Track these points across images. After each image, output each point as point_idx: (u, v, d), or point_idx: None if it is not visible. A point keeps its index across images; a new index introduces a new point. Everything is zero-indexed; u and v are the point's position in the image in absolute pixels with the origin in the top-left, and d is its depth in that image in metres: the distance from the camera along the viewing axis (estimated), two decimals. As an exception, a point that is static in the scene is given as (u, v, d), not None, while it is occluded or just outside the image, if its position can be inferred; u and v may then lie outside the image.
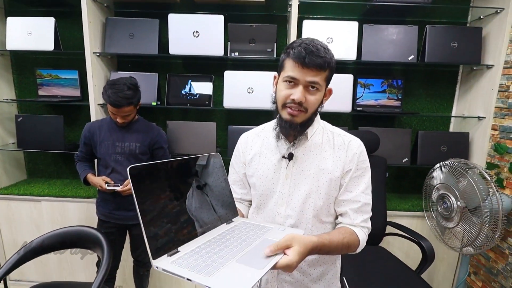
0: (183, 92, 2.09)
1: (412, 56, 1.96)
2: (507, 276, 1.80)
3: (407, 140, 2.06)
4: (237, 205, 0.94)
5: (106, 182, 1.62)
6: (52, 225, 2.08)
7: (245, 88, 1.96)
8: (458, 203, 1.65)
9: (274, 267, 0.63)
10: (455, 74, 2.20)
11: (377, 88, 2.09)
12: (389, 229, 1.90)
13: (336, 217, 0.94)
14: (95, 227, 1.65)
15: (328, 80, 0.86)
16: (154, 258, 0.62)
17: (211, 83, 2.08)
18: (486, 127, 1.94)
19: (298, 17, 1.86)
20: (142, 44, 2.00)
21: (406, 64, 2.14)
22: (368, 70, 2.17)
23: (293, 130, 0.87)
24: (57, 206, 2.09)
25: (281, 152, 0.93)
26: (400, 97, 2.10)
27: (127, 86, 1.55)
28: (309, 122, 0.89)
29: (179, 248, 0.67)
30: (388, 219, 1.91)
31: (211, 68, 2.20)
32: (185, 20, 1.93)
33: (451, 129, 2.27)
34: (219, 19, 1.91)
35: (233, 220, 0.86)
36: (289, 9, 1.98)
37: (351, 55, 1.93)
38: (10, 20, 2.02)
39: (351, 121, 2.28)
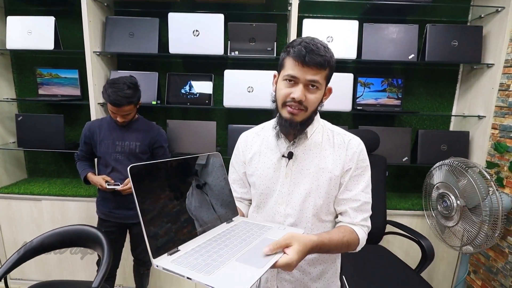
0: (183, 91, 2.09)
1: (412, 55, 1.95)
2: (506, 275, 1.81)
3: (407, 139, 2.06)
4: (237, 204, 0.94)
5: (106, 181, 1.62)
6: (52, 224, 2.09)
7: (245, 87, 1.96)
8: (458, 202, 1.65)
9: (274, 266, 0.64)
10: (456, 73, 2.20)
11: (377, 87, 2.09)
12: (389, 228, 1.90)
13: (336, 216, 0.94)
14: (95, 226, 1.65)
15: (328, 79, 0.86)
16: (154, 257, 0.62)
17: (211, 82, 2.08)
18: (486, 126, 1.94)
19: (298, 16, 1.86)
20: (142, 43, 1.99)
21: (406, 63, 2.13)
22: (368, 69, 2.17)
23: (293, 128, 0.87)
24: (58, 205, 2.09)
25: (281, 151, 0.93)
26: (400, 96, 2.10)
27: (127, 85, 1.55)
28: (309, 120, 0.89)
29: (179, 247, 0.67)
30: (388, 218, 1.91)
31: (211, 67, 2.20)
32: (185, 19, 1.92)
33: (451, 128, 2.27)
34: (219, 18, 1.91)
35: (233, 219, 0.86)
36: (289, 8, 1.98)
37: (351, 54, 1.93)
38: (10, 19, 2.02)
39: (351, 120, 2.28)
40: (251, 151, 0.99)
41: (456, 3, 2.09)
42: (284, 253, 0.67)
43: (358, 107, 2.07)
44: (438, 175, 1.81)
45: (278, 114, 0.91)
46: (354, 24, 1.91)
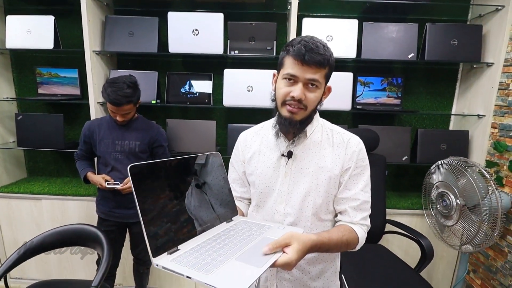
0: (182, 90, 2.09)
1: (412, 54, 1.95)
2: (506, 274, 1.81)
3: (406, 138, 2.06)
4: (237, 203, 0.94)
5: (106, 180, 1.62)
6: (52, 223, 2.09)
7: (244, 86, 1.96)
8: (458, 201, 1.65)
9: (273, 265, 0.64)
10: (455, 72, 2.20)
11: (377, 86, 2.09)
12: (388, 227, 1.90)
13: (335, 215, 0.94)
14: (95, 225, 1.65)
15: (327, 77, 0.86)
16: (154, 256, 0.62)
17: (210, 81, 2.08)
18: (486, 125, 1.94)
19: (297, 15, 1.85)
20: (141, 42, 1.99)
21: (406, 62, 2.13)
22: (368, 68, 2.17)
23: (293, 127, 0.87)
24: (57, 204, 2.10)
25: (281, 150, 0.93)
26: (400, 95, 2.10)
27: (127, 84, 1.55)
28: (308, 119, 0.89)
29: (179, 247, 0.67)
30: (387, 217, 1.91)
31: (210, 66, 2.20)
32: (185, 18, 1.92)
33: (451, 127, 2.27)
34: (219, 17, 1.91)
35: (232, 218, 0.86)
36: (288, 7, 1.98)
37: (351, 53, 1.93)
38: (10, 18, 2.01)
39: (351, 119, 2.28)
40: (250, 150, 0.99)
41: (455, 2, 2.09)
42: (284, 252, 0.67)
43: (357, 106, 2.07)
44: (437, 174, 1.81)
45: (277, 113, 0.91)
46: (354, 23, 1.91)
